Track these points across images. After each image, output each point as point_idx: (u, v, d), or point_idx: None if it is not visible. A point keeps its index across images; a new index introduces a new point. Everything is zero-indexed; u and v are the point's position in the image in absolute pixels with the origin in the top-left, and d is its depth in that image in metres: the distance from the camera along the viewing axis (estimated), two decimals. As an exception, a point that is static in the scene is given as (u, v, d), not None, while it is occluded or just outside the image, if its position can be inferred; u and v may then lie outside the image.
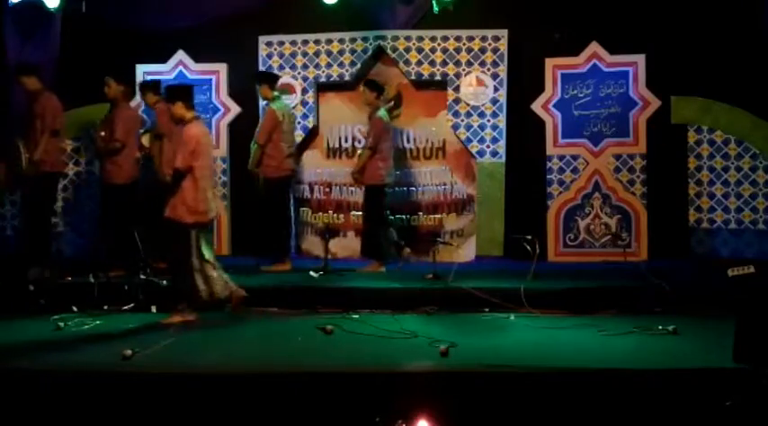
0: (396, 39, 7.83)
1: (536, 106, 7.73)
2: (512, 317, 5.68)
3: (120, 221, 6.81)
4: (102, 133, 6.94)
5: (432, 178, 7.91)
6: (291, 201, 7.82)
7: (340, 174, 8.01)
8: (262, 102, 7.64)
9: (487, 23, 7.73)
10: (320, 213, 8.07)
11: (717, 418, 3.82)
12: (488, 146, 7.75)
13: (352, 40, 7.91)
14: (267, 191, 7.13)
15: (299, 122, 8.01)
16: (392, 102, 7.96)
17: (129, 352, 4.44)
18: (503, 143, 7.72)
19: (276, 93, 7.18)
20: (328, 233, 7.56)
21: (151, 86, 7.13)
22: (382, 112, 7.13)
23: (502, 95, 7.73)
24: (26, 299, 6.11)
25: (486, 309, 5.83)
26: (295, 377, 4.18)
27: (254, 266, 7.10)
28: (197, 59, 8.10)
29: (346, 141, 8.06)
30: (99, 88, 7.24)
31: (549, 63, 7.72)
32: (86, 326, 5.50)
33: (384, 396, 3.98)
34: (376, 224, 7.17)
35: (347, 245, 8.03)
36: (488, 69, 7.74)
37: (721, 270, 6.07)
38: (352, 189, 7.99)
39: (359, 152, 7.11)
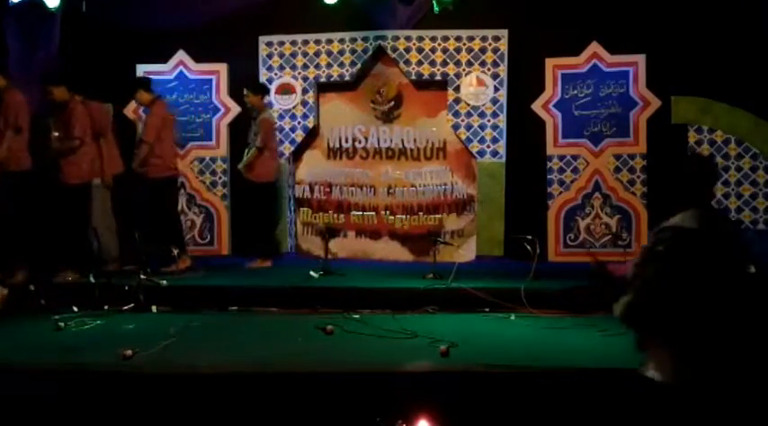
0: (396, 39, 7.83)
1: (536, 106, 7.73)
2: (512, 317, 5.68)
3: (77, 222, 6.75)
4: (56, 133, 6.79)
5: (432, 178, 7.91)
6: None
7: (340, 175, 8.02)
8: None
9: (487, 23, 7.72)
10: (320, 213, 8.07)
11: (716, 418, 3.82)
12: (489, 146, 7.75)
13: (353, 40, 7.91)
14: (154, 191, 7.05)
15: (299, 122, 8.03)
16: (392, 102, 7.97)
17: (129, 352, 4.44)
18: (503, 143, 7.72)
19: (156, 95, 7.19)
20: (328, 233, 7.57)
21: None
22: (269, 113, 7.42)
23: (502, 95, 7.73)
24: (26, 299, 6.11)
25: (487, 309, 5.83)
26: (295, 377, 4.18)
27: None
28: (197, 59, 8.10)
29: (347, 141, 8.06)
30: (99, 88, 7.27)
31: (550, 63, 7.71)
32: (86, 326, 5.50)
33: (384, 396, 3.98)
34: (269, 220, 7.39)
35: (347, 245, 8.05)
36: (488, 69, 7.74)
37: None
38: (353, 189, 8.01)
39: (253, 152, 7.28)
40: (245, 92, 7.43)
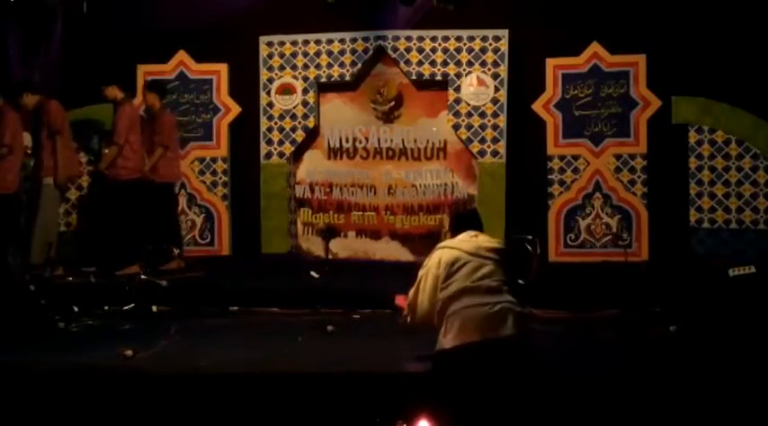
0: (396, 39, 7.82)
1: (537, 106, 7.72)
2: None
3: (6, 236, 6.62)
4: None
5: (432, 178, 7.91)
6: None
7: (341, 174, 8.02)
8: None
9: (487, 23, 7.71)
10: (320, 213, 8.07)
11: (717, 418, 3.82)
12: (489, 146, 7.74)
13: (353, 40, 7.91)
14: (119, 194, 6.96)
15: (299, 123, 8.03)
16: (393, 103, 7.97)
17: (129, 352, 4.44)
18: (503, 143, 7.71)
19: (125, 95, 7.11)
20: (329, 233, 7.56)
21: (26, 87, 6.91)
22: (169, 111, 7.47)
23: (502, 95, 7.72)
24: (26, 299, 6.10)
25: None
26: (295, 377, 4.17)
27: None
28: (197, 59, 8.10)
29: (347, 141, 8.06)
30: (100, 88, 7.26)
31: (550, 63, 7.71)
32: (86, 326, 5.50)
33: (384, 396, 3.97)
34: (170, 221, 7.33)
35: (348, 245, 8.05)
36: (489, 69, 7.73)
37: (722, 270, 6.13)
38: (353, 189, 8.00)
39: (158, 152, 7.16)
40: (144, 92, 7.38)
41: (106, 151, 7.04)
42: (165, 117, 7.34)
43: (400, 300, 4.57)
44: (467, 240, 4.32)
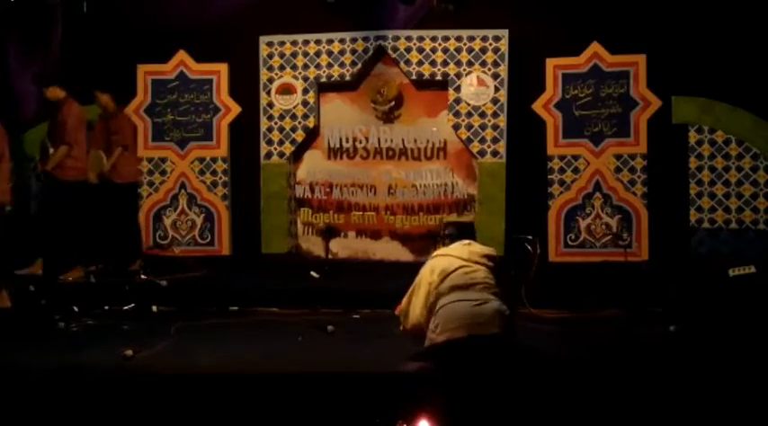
0: (396, 39, 7.83)
1: (537, 106, 7.72)
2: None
3: None
4: None
5: (432, 178, 7.91)
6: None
7: (341, 174, 8.02)
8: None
9: (487, 23, 7.71)
10: (320, 213, 8.07)
11: (717, 418, 3.82)
12: (489, 146, 7.74)
13: (353, 40, 7.91)
14: (65, 194, 6.81)
15: (299, 123, 8.03)
16: (393, 102, 7.97)
17: (129, 352, 4.45)
18: (504, 143, 7.71)
19: (67, 94, 6.96)
20: (329, 233, 7.56)
21: None
22: (125, 112, 7.41)
23: (503, 95, 7.72)
24: (26, 299, 6.11)
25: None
26: (295, 377, 4.18)
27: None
28: (198, 59, 8.10)
29: (347, 141, 8.06)
30: (99, 88, 7.26)
31: (550, 63, 7.71)
32: (86, 326, 5.51)
33: (384, 396, 3.97)
34: (130, 223, 7.29)
35: (348, 245, 8.05)
36: (489, 69, 7.74)
37: (722, 270, 6.14)
38: (353, 189, 8.00)
39: (117, 151, 7.07)
40: (96, 95, 7.24)
41: (52, 151, 6.81)
42: (121, 117, 7.31)
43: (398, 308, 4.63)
44: (459, 248, 4.41)
